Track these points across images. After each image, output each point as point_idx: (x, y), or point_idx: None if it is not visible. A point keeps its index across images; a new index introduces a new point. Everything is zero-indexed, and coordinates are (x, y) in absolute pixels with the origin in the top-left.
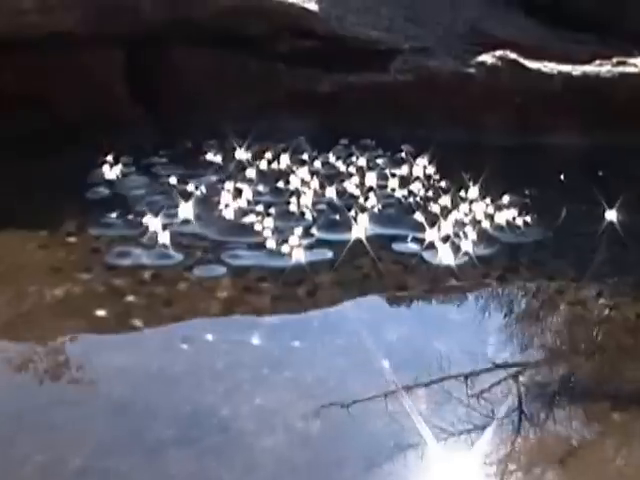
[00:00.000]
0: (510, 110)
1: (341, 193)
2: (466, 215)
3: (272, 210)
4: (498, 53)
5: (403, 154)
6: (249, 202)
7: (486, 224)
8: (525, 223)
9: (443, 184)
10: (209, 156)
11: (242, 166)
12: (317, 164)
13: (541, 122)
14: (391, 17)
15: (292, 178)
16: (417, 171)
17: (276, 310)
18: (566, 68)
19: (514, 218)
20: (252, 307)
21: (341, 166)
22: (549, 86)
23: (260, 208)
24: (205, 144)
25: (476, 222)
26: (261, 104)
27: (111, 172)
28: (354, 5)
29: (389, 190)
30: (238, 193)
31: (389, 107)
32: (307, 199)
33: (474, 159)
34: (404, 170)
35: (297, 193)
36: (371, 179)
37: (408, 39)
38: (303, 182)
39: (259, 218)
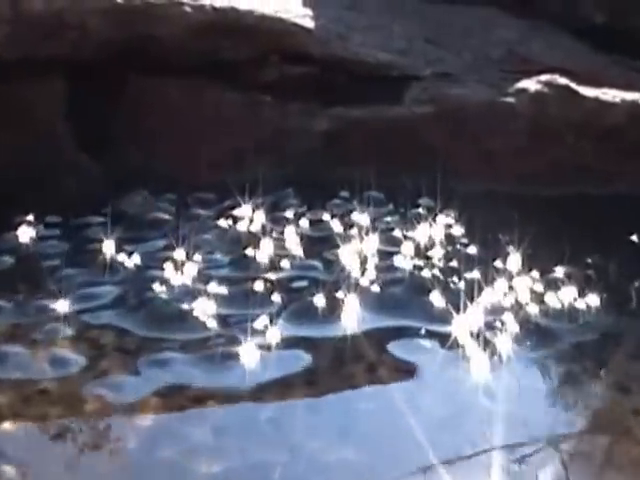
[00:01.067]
0: (561, 150)
1: (331, 264)
2: (505, 295)
3: (227, 290)
4: (545, 78)
5: (420, 210)
6: (198, 277)
7: (533, 309)
8: (588, 307)
9: (473, 250)
10: (162, 214)
11: (203, 227)
12: (304, 224)
13: (602, 165)
14: (408, 37)
15: (265, 243)
16: (437, 233)
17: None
18: (631, 96)
19: (575, 299)
20: (185, 448)
21: (336, 226)
22: (611, 118)
23: (212, 287)
24: (161, 198)
25: (519, 306)
26: (240, 147)
27: (25, 235)
28: (361, 22)
29: (398, 259)
30: (185, 264)
31: (403, 149)
32: (281, 273)
33: (514, 216)
34: (420, 232)
35: (269, 264)
36: (374, 243)
37: (429, 64)
38: (280, 248)
39: (206, 302)
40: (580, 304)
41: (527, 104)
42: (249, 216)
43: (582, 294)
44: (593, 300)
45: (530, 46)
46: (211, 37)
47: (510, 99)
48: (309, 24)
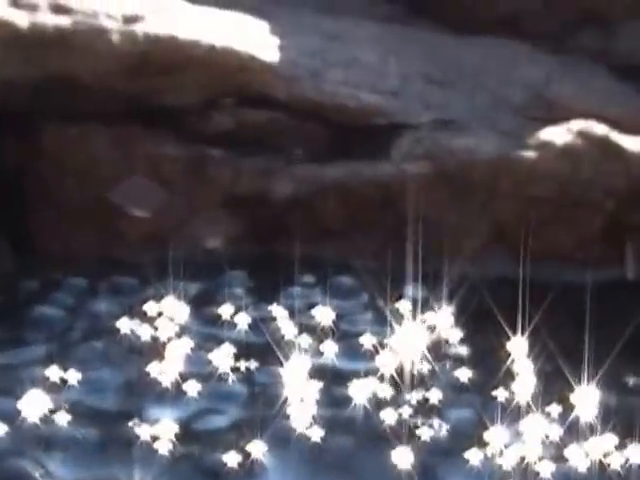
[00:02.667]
0: (596, 221)
1: (260, 393)
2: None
3: (96, 433)
4: (577, 126)
5: (404, 304)
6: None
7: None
8: None
9: (468, 374)
10: (53, 308)
11: (100, 329)
12: (243, 323)
13: None
14: (403, 75)
15: (174, 356)
16: (422, 338)
17: None
18: None
19: None
20: None
21: (287, 328)
22: None
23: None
24: (65, 285)
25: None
26: (180, 215)
27: None
28: (344, 55)
29: (356, 387)
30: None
31: (389, 219)
32: (181, 408)
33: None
34: (399, 339)
35: (171, 392)
36: (329, 359)
37: (427, 109)
38: (196, 363)
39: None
40: None
41: (553, 160)
42: (171, 312)
43: None
44: None
45: (560, 88)
46: (145, 75)
47: (530, 153)
48: (273, 57)
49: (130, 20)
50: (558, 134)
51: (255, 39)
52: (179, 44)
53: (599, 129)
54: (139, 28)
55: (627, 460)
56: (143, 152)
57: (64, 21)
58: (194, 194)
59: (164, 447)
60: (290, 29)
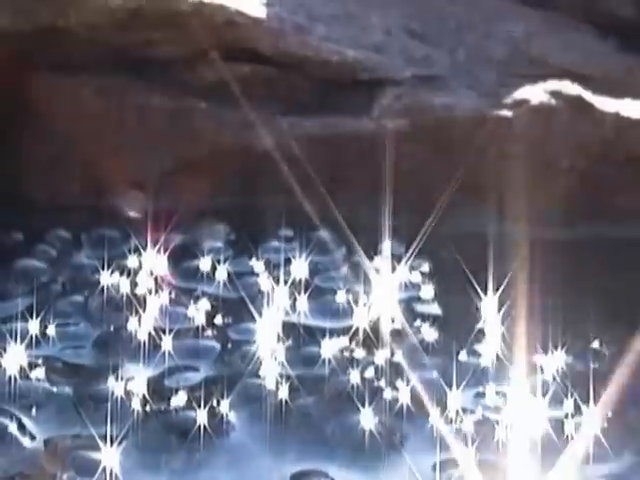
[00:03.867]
0: (569, 180)
1: (235, 348)
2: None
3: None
4: (551, 86)
5: (380, 259)
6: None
7: None
8: None
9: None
10: (37, 261)
11: (83, 282)
12: (220, 277)
13: (623, 200)
14: (387, 29)
15: (150, 311)
16: (396, 297)
17: None
18: None
19: None
20: None
21: (263, 283)
22: (634, 140)
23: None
24: (50, 236)
25: None
26: (164, 166)
27: None
28: (328, 10)
29: (327, 346)
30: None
31: (367, 174)
32: (153, 368)
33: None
34: (375, 295)
35: (148, 344)
36: (301, 315)
37: (409, 63)
38: (171, 319)
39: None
40: None
41: (527, 119)
42: (151, 265)
43: None
44: None
45: (541, 44)
46: (135, 28)
47: (506, 112)
48: (259, 13)
49: None
50: (532, 93)
51: None
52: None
53: (572, 89)
54: None
55: (580, 424)
56: (130, 103)
57: None
58: (179, 145)
59: (136, 403)
60: None
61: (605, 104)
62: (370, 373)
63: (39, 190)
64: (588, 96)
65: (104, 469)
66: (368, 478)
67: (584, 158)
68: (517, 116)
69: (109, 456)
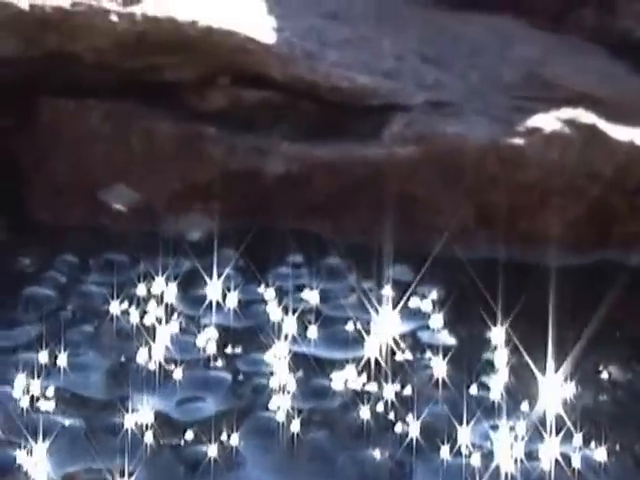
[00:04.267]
0: (581, 208)
1: (245, 380)
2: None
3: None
4: (565, 113)
5: (390, 287)
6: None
7: None
8: None
9: (447, 370)
10: (45, 289)
11: (91, 310)
12: (230, 304)
13: (634, 228)
14: (399, 54)
15: (160, 342)
16: (404, 326)
17: None
18: None
19: None
20: None
21: (272, 311)
22: None
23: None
24: (58, 261)
25: None
26: (173, 192)
27: None
28: (340, 35)
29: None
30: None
31: (378, 201)
32: (162, 400)
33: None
34: (383, 324)
35: (157, 376)
36: (312, 347)
37: (422, 89)
38: (181, 349)
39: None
40: None
41: (540, 147)
42: (160, 293)
43: None
44: None
45: (555, 67)
46: (142, 53)
47: (518, 140)
48: (269, 39)
49: (129, 2)
50: (546, 121)
51: (251, 20)
52: (177, 25)
53: (586, 118)
54: (138, 10)
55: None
56: (138, 127)
57: (64, 2)
58: (188, 170)
59: (147, 436)
60: (289, 9)
61: (619, 132)
62: (380, 407)
63: (45, 213)
64: (602, 124)
65: None
66: None
67: (596, 186)
68: (529, 144)
69: None
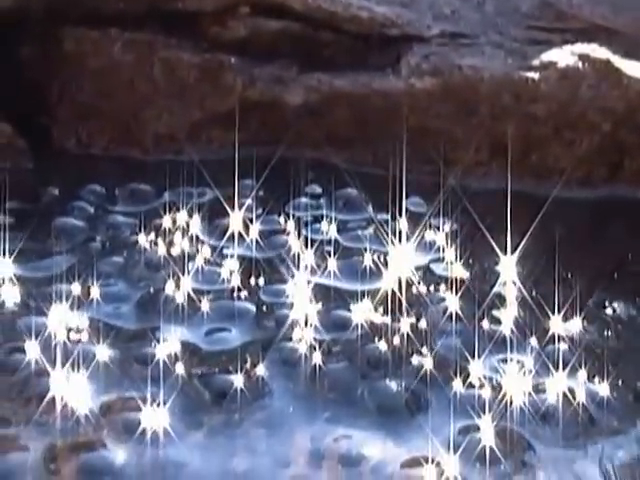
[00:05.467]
0: (593, 142)
1: (268, 313)
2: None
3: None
4: (580, 48)
5: (407, 217)
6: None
7: None
8: None
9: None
10: (74, 219)
11: (119, 242)
12: (252, 235)
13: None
14: None
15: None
16: (420, 258)
17: None
18: None
19: None
20: None
21: (291, 243)
22: None
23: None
24: (85, 191)
25: None
26: (194, 121)
27: None
28: None
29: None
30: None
31: (395, 132)
32: (191, 332)
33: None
34: (398, 255)
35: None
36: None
37: (437, 20)
38: (206, 280)
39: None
40: None
41: (554, 82)
42: (184, 224)
43: None
44: None
45: None
46: None
47: (533, 74)
48: None
49: None
50: (560, 55)
51: None
52: None
53: (600, 52)
54: None
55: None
56: (159, 57)
57: None
58: (207, 98)
59: (177, 366)
60: None
61: (632, 68)
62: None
63: (70, 142)
64: (616, 60)
65: (145, 430)
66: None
67: (608, 121)
68: (544, 78)
69: (152, 417)
